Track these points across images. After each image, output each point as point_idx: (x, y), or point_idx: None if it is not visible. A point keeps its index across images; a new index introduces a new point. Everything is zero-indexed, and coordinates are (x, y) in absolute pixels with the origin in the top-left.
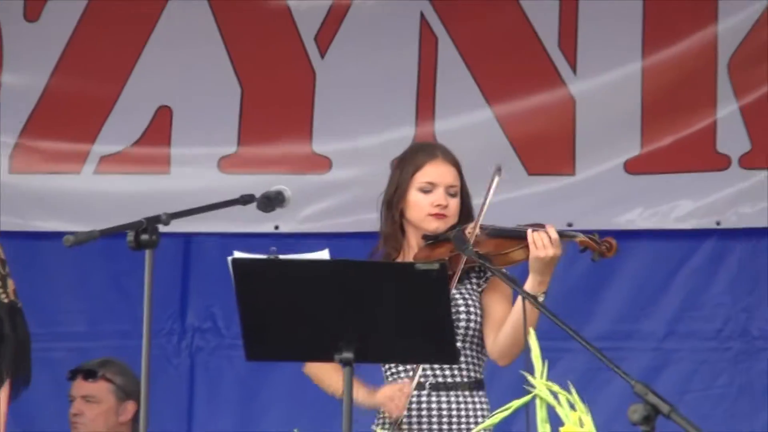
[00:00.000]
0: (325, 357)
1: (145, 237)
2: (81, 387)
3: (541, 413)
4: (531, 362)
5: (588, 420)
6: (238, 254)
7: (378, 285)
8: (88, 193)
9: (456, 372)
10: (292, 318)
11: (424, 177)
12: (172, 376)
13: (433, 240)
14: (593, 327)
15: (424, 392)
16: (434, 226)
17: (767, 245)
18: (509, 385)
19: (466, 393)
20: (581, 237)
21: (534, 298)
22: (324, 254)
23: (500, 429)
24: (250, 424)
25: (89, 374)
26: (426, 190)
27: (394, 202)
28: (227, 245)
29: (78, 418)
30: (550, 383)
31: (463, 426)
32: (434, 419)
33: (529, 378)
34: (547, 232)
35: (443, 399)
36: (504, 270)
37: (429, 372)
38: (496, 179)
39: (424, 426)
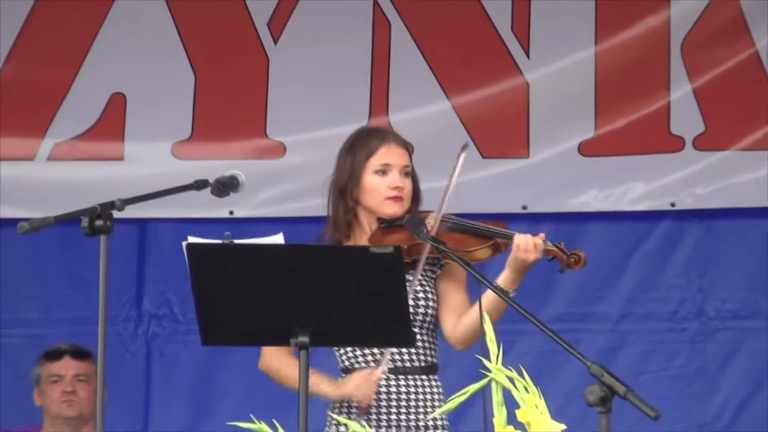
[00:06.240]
0: (281, 341)
1: (99, 223)
2: (72, 366)
3: (497, 397)
4: (487, 346)
5: (542, 404)
6: (192, 239)
7: (333, 269)
8: (43, 179)
9: (414, 356)
10: (248, 302)
11: (379, 160)
12: (128, 363)
13: (386, 224)
14: (549, 309)
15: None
16: (392, 210)
17: (722, 226)
18: (465, 370)
19: (423, 377)
20: (548, 246)
21: (504, 291)
22: (278, 239)
23: (457, 413)
24: (207, 410)
25: (80, 354)
26: (382, 173)
27: (348, 188)
28: (182, 231)
29: (74, 396)
30: (503, 368)
31: (420, 409)
32: (393, 402)
33: (485, 362)
34: (534, 239)
35: (402, 383)
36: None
37: (388, 356)
38: (463, 156)
39: (383, 409)
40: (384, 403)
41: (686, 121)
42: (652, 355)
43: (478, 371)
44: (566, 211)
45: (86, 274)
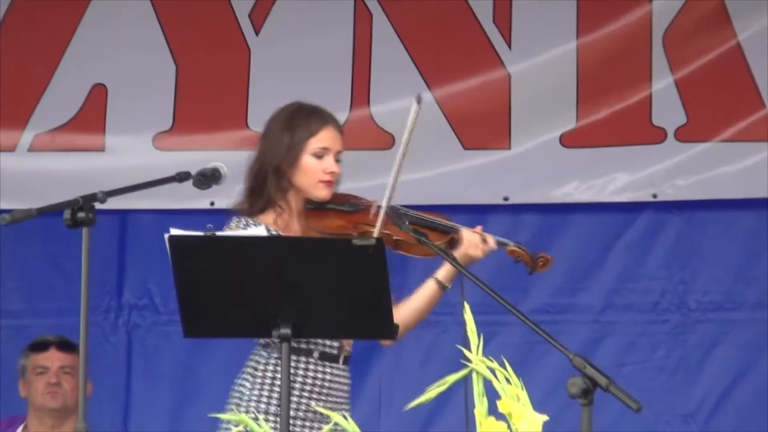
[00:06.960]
0: (263, 333)
1: (81, 215)
2: (58, 357)
3: (478, 387)
4: (467, 336)
5: (524, 395)
6: (174, 231)
7: (314, 261)
8: (24, 170)
9: (340, 345)
10: (229, 294)
11: (319, 143)
12: (109, 354)
13: (313, 206)
14: (531, 300)
15: (312, 360)
16: (323, 194)
17: (703, 218)
18: (446, 360)
19: (343, 366)
20: (512, 246)
21: (443, 286)
22: (260, 230)
23: (438, 404)
24: (188, 400)
25: (66, 346)
26: (319, 156)
27: (284, 167)
28: (163, 222)
29: (58, 387)
30: (485, 358)
31: (336, 399)
32: (315, 389)
33: (466, 352)
34: (482, 235)
35: (327, 371)
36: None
37: (319, 342)
38: (414, 107)
39: (306, 393)
40: (308, 387)
41: (668, 112)
42: (634, 347)
43: (459, 362)
44: (548, 203)
45: (68, 265)
